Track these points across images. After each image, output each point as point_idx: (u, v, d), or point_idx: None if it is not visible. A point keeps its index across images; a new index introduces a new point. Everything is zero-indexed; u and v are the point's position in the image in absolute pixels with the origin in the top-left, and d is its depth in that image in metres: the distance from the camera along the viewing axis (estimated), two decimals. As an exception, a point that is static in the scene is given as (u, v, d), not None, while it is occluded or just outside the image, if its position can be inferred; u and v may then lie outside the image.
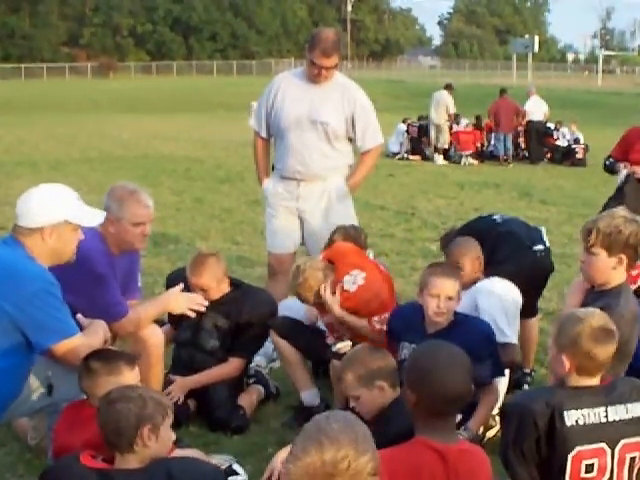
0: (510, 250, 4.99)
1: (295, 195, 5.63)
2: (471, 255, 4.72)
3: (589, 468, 2.95)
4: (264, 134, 5.78)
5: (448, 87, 20.39)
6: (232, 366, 4.76)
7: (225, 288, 4.79)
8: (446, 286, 4.01)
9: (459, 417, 3.95)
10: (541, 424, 2.91)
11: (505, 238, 5.05)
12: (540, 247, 5.14)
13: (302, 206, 5.62)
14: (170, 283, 4.71)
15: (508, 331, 4.52)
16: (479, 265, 4.75)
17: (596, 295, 3.79)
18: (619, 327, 3.57)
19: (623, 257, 3.71)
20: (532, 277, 5.10)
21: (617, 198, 5.93)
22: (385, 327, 4.37)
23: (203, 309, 4.41)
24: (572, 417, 2.93)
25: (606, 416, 2.97)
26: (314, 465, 2.16)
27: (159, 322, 4.90)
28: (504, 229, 5.16)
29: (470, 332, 4.03)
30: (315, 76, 5.46)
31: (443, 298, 3.99)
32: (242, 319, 4.73)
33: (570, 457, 2.92)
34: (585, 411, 2.95)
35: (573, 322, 3.05)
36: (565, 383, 3.05)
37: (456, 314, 4.15)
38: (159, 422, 2.94)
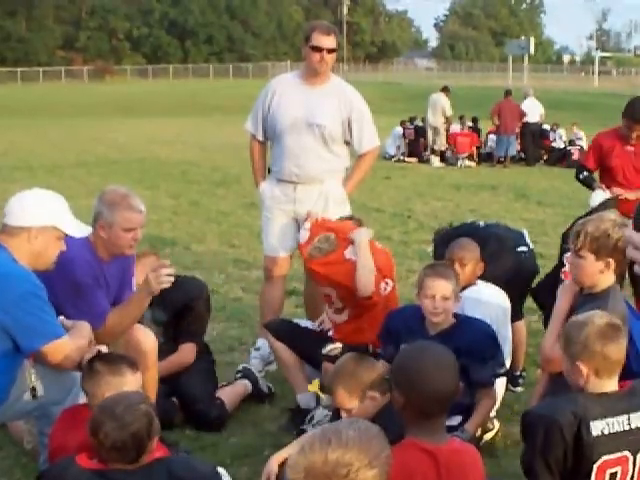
0: (493, 251, 5.01)
1: (292, 198, 5.60)
2: (474, 257, 4.74)
3: (612, 476, 2.93)
4: (260, 137, 5.76)
5: (445, 89, 20.41)
6: (184, 352, 4.83)
7: None
8: (440, 286, 4.03)
9: (459, 419, 3.98)
10: (568, 435, 2.88)
11: (488, 239, 5.08)
12: (524, 248, 5.17)
13: (299, 209, 5.57)
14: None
15: None
16: (479, 269, 4.77)
17: (584, 298, 3.78)
18: None
19: (611, 261, 3.70)
20: (517, 278, 5.11)
21: None
22: (385, 291, 4.53)
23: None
24: (598, 427, 2.90)
25: (629, 424, 2.95)
26: (315, 463, 2.15)
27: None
28: (486, 232, 5.20)
29: (473, 333, 4.06)
30: (318, 62, 5.37)
31: (438, 298, 4.02)
32: (177, 306, 4.81)
33: (596, 467, 2.90)
34: (610, 420, 2.92)
35: (578, 327, 3.04)
36: (586, 390, 3.02)
37: (457, 315, 4.17)
38: (157, 436, 2.96)
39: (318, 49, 5.34)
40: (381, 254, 4.75)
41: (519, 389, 5.19)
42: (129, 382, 3.35)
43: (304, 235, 4.96)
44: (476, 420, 4.04)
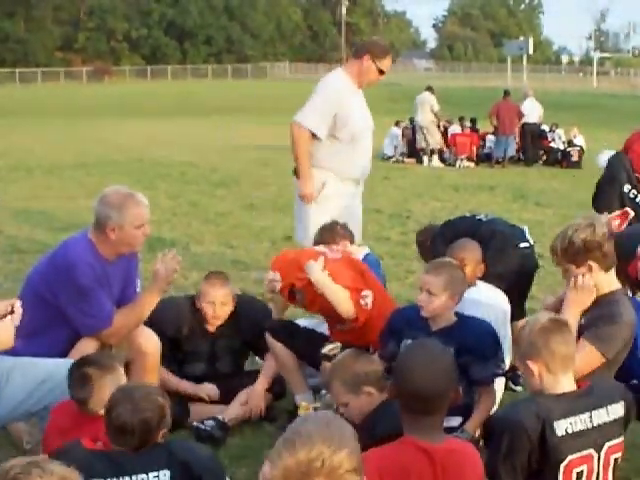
0: (497, 249, 5.03)
1: (356, 194, 6.06)
2: (475, 258, 4.75)
3: (579, 475, 2.96)
4: (322, 137, 5.86)
5: (430, 89, 20.42)
6: (271, 360, 4.87)
7: (231, 308, 4.89)
8: (425, 280, 4.08)
9: (459, 420, 3.98)
10: (533, 438, 2.90)
11: (491, 237, 5.10)
12: (526, 245, 5.20)
13: (356, 202, 6.11)
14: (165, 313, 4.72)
15: None
16: (479, 271, 4.79)
17: (593, 304, 3.79)
18: (622, 336, 3.61)
19: (591, 264, 3.71)
20: (520, 275, 5.14)
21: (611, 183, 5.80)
22: (367, 306, 4.47)
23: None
24: (562, 426, 2.93)
25: (591, 421, 2.98)
26: (290, 467, 2.16)
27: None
28: (489, 228, 5.22)
29: (474, 331, 4.07)
30: (374, 82, 5.92)
31: (423, 291, 4.05)
32: (248, 333, 4.90)
33: (562, 467, 2.93)
34: (572, 419, 2.95)
35: (523, 329, 3.13)
36: (543, 391, 3.06)
37: (459, 314, 4.18)
38: (165, 429, 3.00)
39: (382, 73, 5.90)
40: (341, 268, 4.58)
41: (519, 388, 5.19)
42: (123, 377, 3.38)
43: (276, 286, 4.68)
44: (475, 420, 4.03)
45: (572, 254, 3.72)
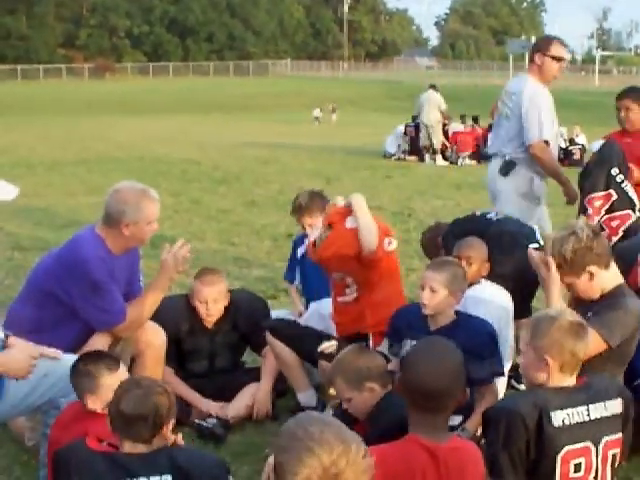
0: (505, 250, 5.01)
1: None
2: (481, 257, 4.75)
3: (577, 467, 2.98)
4: (551, 141, 6.07)
5: (433, 87, 20.35)
6: (270, 358, 4.86)
7: (225, 303, 4.89)
8: (428, 277, 4.07)
9: (459, 419, 3.98)
10: (530, 425, 2.92)
11: (500, 238, 5.08)
12: (535, 245, 5.17)
13: None
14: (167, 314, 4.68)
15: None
16: (485, 270, 4.78)
17: (599, 300, 3.79)
18: (626, 323, 3.60)
19: (591, 269, 3.71)
20: (527, 275, 5.12)
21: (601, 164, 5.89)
22: (391, 246, 4.57)
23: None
24: (559, 417, 2.94)
25: (588, 414, 3.00)
26: (316, 473, 2.15)
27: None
28: (499, 228, 5.19)
29: (472, 330, 4.06)
30: (557, 72, 6.02)
31: (426, 289, 4.04)
32: (245, 328, 4.92)
33: (559, 458, 2.94)
34: (569, 410, 2.97)
35: (549, 322, 3.07)
36: (544, 385, 3.06)
37: (459, 312, 4.17)
38: (172, 419, 2.99)
39: (560, 60, 5.99)
40: (375, 217, 4.69)
41: (522, 387, 5.18)
42: (108, 383, 3.32)
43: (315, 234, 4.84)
44: (477, 419, 4.01)
45: (569, 267, 3.72)
